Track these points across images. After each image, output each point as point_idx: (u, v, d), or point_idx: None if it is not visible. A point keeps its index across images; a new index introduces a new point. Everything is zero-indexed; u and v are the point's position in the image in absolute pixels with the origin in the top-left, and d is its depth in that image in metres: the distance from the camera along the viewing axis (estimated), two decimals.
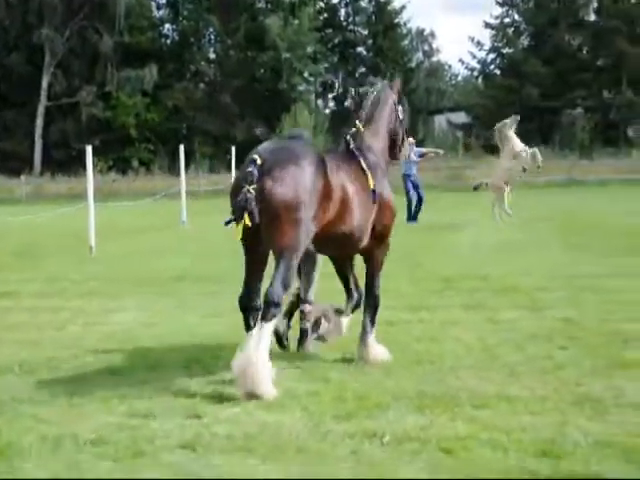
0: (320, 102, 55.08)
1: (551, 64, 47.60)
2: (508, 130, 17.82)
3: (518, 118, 17.73)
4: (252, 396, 5.21)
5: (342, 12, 54.68)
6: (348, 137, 6.45)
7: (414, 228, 17.49)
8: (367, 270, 6.51)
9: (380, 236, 6.36)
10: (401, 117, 6.91)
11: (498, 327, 7.30)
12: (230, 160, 28.20)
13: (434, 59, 73.48)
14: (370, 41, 53.10)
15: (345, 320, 6.67)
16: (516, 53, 49.70)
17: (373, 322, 6.38)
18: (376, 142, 6.57)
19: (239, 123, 49.49)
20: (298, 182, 5.48)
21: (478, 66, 52.59)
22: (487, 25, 51.05)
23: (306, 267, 6.67)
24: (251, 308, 5.69)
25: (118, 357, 6.57)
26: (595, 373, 5.63)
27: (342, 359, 6.32)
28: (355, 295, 6.64)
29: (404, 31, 54.99)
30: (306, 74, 50.47)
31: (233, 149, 28.23)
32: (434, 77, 69.84)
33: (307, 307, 6.74)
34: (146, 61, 49.66)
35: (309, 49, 48.91)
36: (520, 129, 44.97)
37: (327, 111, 54.16)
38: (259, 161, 5.48)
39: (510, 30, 51.06)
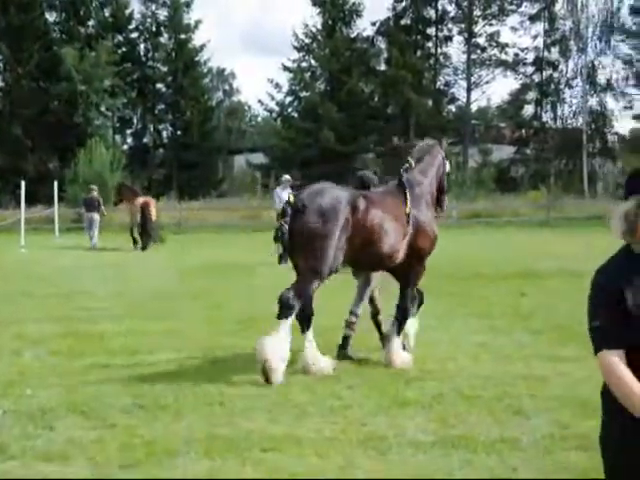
0: (118, 137, 53.93)
1: (346, 110, 49.53)
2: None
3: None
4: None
5: (141, 47, 53.99)
6: (402, 171, 7.84)
7: (211, 268, 17.41)
8: (401, 286, 7.75)
9: (416, 256, 7.60)
10: (447, 170, 8.42)
11: (290, 367, 7.39)
12: (19, 195, 26.87)
13: (234, 99, 74.59)
14: (170, 78, 52.73)
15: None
16: (313, 97, 51.22)
17: (399, 332, 7.59)
18: (424, 179, 7.93)
19: (30, 156, 47.23)
20: (324, 217, 6.88)
21: (277, 108, 53.74)
22: (285, 68, 52.37)
23: (360, 285, 8.02)
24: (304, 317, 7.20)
25: None
26: (379, 412, 5.85)
27: (132, 403, 6.14)
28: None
29: (204, 69, 55.14)
30: (103, 108, 49.20)
31: (23, 184, 26.93)
32: (234, 117, 70.65)
33: (353, 318, 7.94)
34: None
35: (106, 82, 47.73)
36: (317, 172, 46.20)
37: (125, 147, 53.11)
38: (292, 199, 7.09)
39: (307, 74, 52.69)
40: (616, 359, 2.77)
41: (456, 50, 53.87)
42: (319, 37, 51.99)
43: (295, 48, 52.45)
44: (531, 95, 54.49)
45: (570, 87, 52.72)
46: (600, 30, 49.89)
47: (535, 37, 52.95)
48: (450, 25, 53.70)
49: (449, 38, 53.75)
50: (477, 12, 52.73)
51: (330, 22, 51.63)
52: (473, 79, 53.09)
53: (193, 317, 10.55)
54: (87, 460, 4.80)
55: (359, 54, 52.12)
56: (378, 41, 53.64)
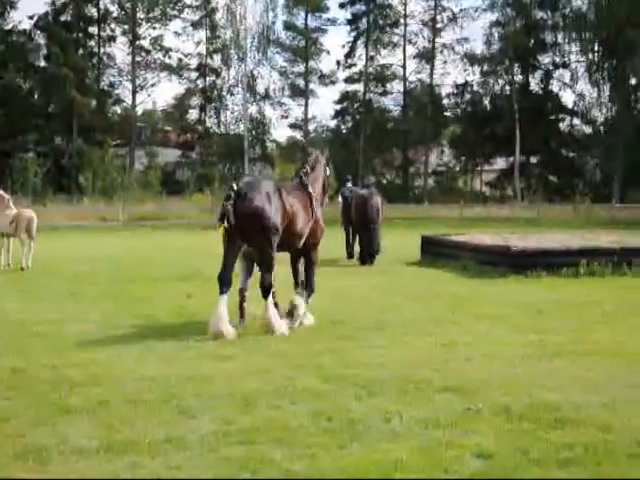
0: None
1: (2, 106, 46.54)
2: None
3: None
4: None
5: None
6: (302, 174, 10.07)
7: None
8: (305, 265, 9.98)
9: (313, 241, 9.89)
10: (328, 174, 10.69)
11: None
12: None
13: None
14: None
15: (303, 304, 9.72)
16: None
17: (307, 299, 9.81)
18: (316, 182, 10.26)
19: None
20: (262, 201, 8.85)
21: None
22: None
23: (246, 264, 9.87)
24: (225, 280, 8.89)
25: None
26: (40, 422, 5.59)
27: None
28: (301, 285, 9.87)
29: None
30: None
31: None
32: None
33: (245, 292, 9.82)
34: None
35: None
36: None
37: None
38: (235, 187, 8.88)
39: None
40: None
41: (120, 51, 53.33)
42: None
43: None
44: (195, 100, 55.64)
45: (232, 94, 54.81)
46: (258, 42, 52.30)
47: (198, 43, 54.24)
48: (113, 25, 53.00)
49: (112, 38, 52.99)
50: (140, 15, 52.58)
51: None
52: (138, 81, 52.92)
53: None
54: None
55: (16, 48, 49.33)
56: (37, 36, 51.17)
